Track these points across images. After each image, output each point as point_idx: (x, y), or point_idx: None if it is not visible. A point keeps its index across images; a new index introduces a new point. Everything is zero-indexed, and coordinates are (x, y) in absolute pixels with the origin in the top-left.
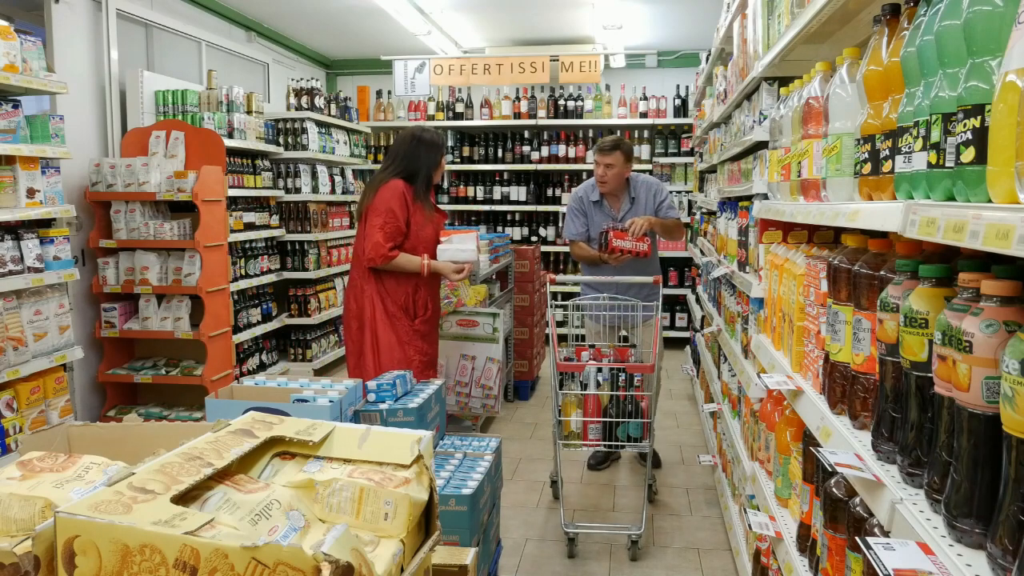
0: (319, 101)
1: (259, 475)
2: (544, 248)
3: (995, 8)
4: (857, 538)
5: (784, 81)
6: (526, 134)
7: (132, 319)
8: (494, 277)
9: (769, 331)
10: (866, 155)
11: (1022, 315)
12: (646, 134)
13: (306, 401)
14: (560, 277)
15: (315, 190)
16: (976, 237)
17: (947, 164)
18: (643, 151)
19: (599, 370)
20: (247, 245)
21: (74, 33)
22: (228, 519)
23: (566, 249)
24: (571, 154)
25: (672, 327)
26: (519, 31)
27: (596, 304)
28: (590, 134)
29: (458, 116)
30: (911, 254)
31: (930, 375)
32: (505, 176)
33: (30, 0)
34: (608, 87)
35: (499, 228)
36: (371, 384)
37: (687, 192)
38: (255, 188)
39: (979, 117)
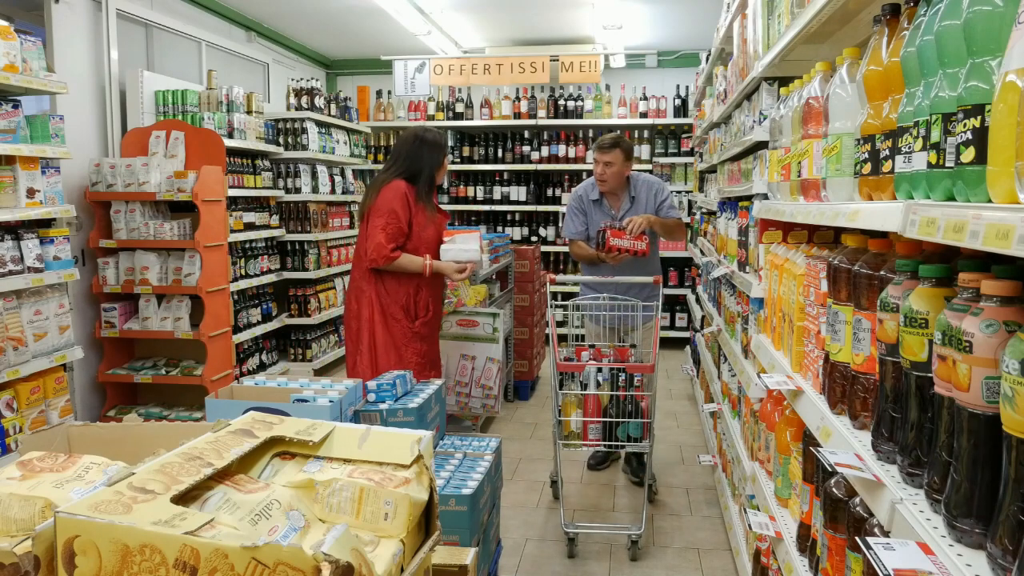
0: (319, 101)
1: (259, 475)
2: (544, 248)
3: (995, 8)
4: (857, 538)
5: (784, 81)
6: (526, 134)
7: (132, 319)
8: (494, 277)
9: (769, 331)
10: (866, 155)
11: (1022, 315)
12: (646, 134)
13: (306, 401)
14: (560, 277)
15: (315, 190)
16: (976, 237)
17: (947, 164)
18: (643, 151)
19: (599, 370)
20: (247, 245)
21: (74, 33)
22: (228, 519)
23: (566, 249)
24: (571, 154)
25: (672, 327)
26: (519, 31)
27: (596, 304)
28: (590, 134)
29: (458, 116)
30: (911, 254)
31: (930, 375)
32: (505, 176)
33: (30, 0)
34: (608, 87)
35: (499, 228)
36: (371, 384)
37: (687, 192)
38: (255, 188)
39: (979, 117)
